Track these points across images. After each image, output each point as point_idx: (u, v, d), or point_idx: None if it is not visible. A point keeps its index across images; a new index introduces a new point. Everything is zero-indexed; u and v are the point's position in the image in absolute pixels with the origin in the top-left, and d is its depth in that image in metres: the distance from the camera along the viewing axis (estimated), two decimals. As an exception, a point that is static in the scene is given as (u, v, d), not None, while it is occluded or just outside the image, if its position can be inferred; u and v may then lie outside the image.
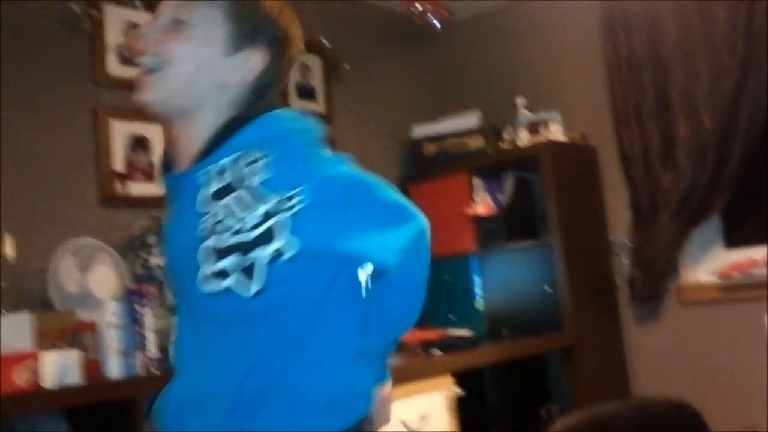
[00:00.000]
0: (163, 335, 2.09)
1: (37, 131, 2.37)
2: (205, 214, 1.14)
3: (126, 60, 2.54)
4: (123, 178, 2.53)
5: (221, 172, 1.14)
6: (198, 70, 1.18)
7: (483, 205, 3.26)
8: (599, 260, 3.32)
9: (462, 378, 2.61)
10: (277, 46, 1.23)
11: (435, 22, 2.99)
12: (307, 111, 1.31)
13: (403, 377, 2.40)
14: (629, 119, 3.22)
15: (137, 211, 2.49)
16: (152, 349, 2.03)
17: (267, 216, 1.10)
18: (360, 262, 1.22)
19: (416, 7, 2.94)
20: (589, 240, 3.29)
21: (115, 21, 2.58)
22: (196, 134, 1.20)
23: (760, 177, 3.12)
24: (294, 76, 3.20)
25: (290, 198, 1.11)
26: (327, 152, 1.22)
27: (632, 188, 3.24)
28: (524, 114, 3.38)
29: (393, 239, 1.18)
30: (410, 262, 1.20)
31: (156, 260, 2.37)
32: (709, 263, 3.21)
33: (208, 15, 1.20)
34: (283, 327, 1.14)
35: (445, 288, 3.33)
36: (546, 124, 3.32)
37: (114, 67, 2.55)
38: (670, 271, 3.19)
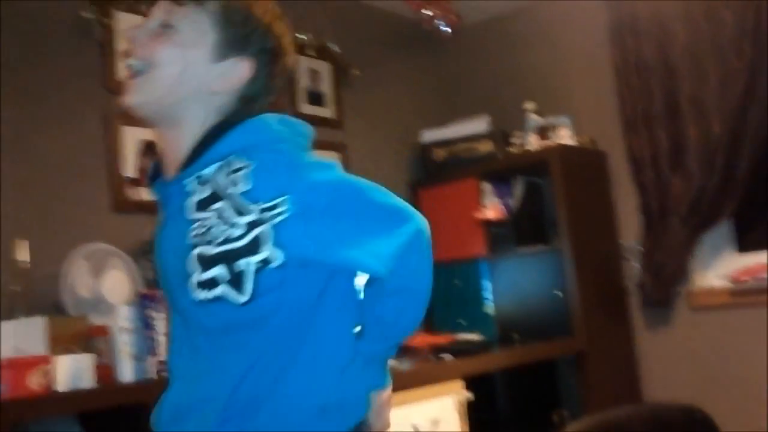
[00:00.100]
0: (174, 340, 2.09)
1: (49, 137, 2.39)
2: (194, 222, 1.13)
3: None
4: (135, 183, 2.55)
5: (206, 181, 1.14)
6: (183, 74, 1.18)
7: (493, 209, 3.26)
8: (609, 265, 3.31)
9: (472, 383, 2.61)
10: (267, 55, 1.22)
11: (444, 27, 2.99)
12: (296, 115, 1.29)
13: (413, 382, 2.40)
14: (638, 123, 3.22)
15: (149, 216, 2.47)
16: (164, 354, 2.04)
17: (252, 225, 1.09)
18: (351, 271, 1.20)
19: (425, 13, 2.94)
20: (599, 245, 3.28)
21: (125, 28, 2.59)
22: (182, 141, 1.20)
23: (771, 181, 3.12)
24: (304, 82, 3.21)
25: (272, 208, 1.09)
26: (314, 157, 1.20)
27: (642, 193, 3.23)
28: (533, 119, 3.38)
29: (385, 244, 1.15)
30: (406, 266, 1.17)
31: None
32: (720, 268, 3.21)
33: (197, 21, 1.19)
34: (275, 334, 1.13)
35: (455, 293, 3.33)
36: (555, 128, 3.31)
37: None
38: (681, 276, 3.18)
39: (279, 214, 1.09)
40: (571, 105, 3.43)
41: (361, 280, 1.22)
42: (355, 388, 1.19)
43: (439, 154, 3.47)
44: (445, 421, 2.49)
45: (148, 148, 2.59)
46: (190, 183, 1.16)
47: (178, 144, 1.20)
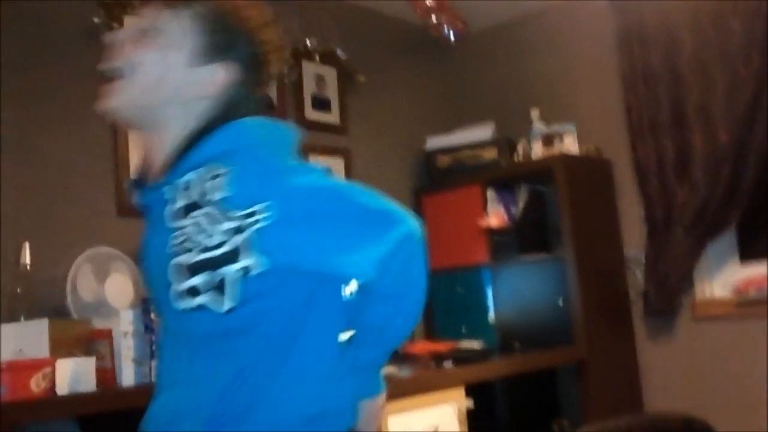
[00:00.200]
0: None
1: (55, 140, 2.41)
2: (174, 230, 1.12)
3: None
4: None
5: (186, 188, 1.13)
6: (163, 78, 1.17)
7: (496, 217, 3.26)
8: (612, 274, 3.31)
9: (473, 390, 2.60)
10: (252, 62, 1.21)
11: (450, 34, 2.99)
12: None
13: (414, 389, 2.40)
14: (644, 132, 3.21)
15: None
16: (165, 358, 2.04)
17: (231, 233, 1.07)
18: (337, 278, 1.18)
19: (431, 19, 2.94)
20: (603, 253, 3.28)
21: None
22: (164, 145, 1.19)
23: (776, 191, 3.10)
24: (309, 87, 3.22)
25: (252, 215, 1.08)
26: (297, 161, 1.19)
27: (646, 202, 3.23)
28: (538, 126, 3.38)
29: (370, 249, 1.13)
30: (393, 271, 1.15)
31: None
32: (724, 278, 3.20)
33: (181, 25, 1.18)
34: (259, 343, 1.11)
35: (457, 300, 3.33)
36: (560, 136, 3.31)
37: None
38: (685, 286, 3.17)
39: (259, 221, 1.08)
40: (577, 112, 3.43)
41: (350, 287, 1.20)
42: (344, 396, 1.18)
43: (444, 160, 3.47)
44: (445, 428, 2.48)
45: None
46: (169, 191, 1.15)
47: (160, 148, 1.20)
